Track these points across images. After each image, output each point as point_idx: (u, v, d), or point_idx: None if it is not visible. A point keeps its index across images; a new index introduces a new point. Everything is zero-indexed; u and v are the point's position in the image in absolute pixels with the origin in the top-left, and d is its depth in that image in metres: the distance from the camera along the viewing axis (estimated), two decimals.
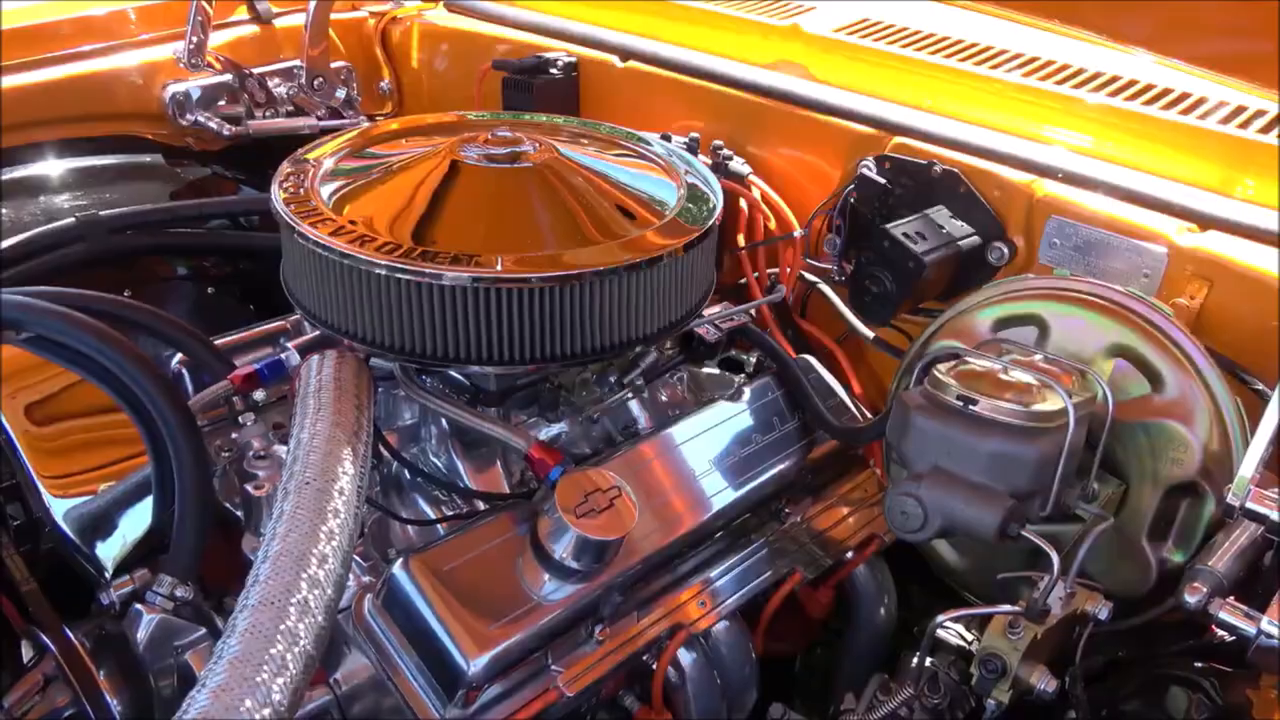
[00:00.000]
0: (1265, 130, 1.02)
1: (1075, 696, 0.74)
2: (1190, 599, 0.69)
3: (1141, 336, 0.85)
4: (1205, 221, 0.97)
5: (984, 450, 0.72)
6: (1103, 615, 0.74)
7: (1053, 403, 0.74)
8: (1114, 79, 1.13)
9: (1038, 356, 0.82)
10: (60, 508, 0.88)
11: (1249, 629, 0.64)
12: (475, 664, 0.78)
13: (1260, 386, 0.89)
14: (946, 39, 1.25)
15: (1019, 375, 0.77)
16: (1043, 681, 0.70)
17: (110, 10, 1.45)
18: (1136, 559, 0.85)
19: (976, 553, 0.94)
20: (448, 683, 0.79)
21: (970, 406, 0.74)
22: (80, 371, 0.94)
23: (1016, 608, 0.69)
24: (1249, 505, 0.63)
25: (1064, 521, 0.84)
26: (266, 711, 0.55)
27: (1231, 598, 0.70)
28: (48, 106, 1.38)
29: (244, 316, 1.44)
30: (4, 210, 1.33)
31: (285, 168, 0.99)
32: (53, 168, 1.40)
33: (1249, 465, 0.64)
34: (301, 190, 0.94)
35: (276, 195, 0.93)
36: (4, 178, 1.36)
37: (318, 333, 1.04)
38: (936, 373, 0.78)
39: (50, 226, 1.29)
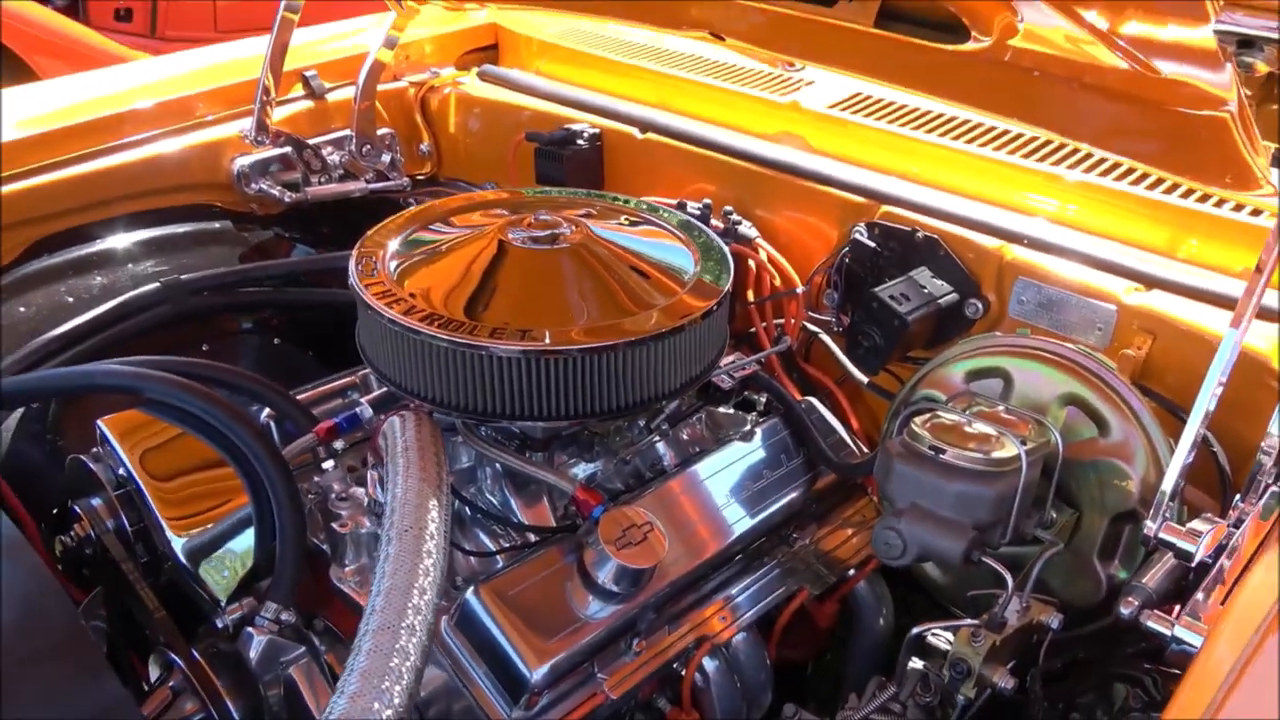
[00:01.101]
0: (1202, 200, 1.17)
1: (1034, 693, 0.89)
2: (1125, 611, 0.84)
3: (1089, 388, 1.00)
4: (1150, 281, 1.12)
5: (951, 491, 0.88)
6: (1054, 625, 0.89)
7: (1009, 450, 0.90)
8: (1074, 152, 1.28)
9: (1000, 408, 0.98)
10: (179, 544, 1.05)
11: (1166, 633, 0.79)
12: (536, 673, 0.94)
13: (1205, 433, 1.05)
14: (929, 114, 1.40)
15: (981, 427, 0.93)
16: (1003, 681, 0.85)
17: (182, 95, 1.62)
18: (1089, 576, 1.00)
19: (954, 572, 1.09)
20: (514, 689, 0.95)
21: (940, 455, 0.89)
22: (190, 429, 1.11)
23: (978, 621, 0.85)
24: (1162, 535, 0.79)
25: (1026, 545, 0.99)
26: (389, 713, 0.71)
27: (1161, 609, 0.85)
28: (131, 184, 1.55)
29: (305, 363, 1.62)
30: (98, 277, 1.51)
31: (359, 250, 1.15)
32: (136, 237, 1.57)
33: (1158, 508, 0.79)
34: (375, 271, 1.11)
35: (354, 277, 1.10)
36: (95, 248, 1.53)
37: (385, 389, 1.21)
38: (913, 425, 0.94)
39: (139, 291, 1.47)
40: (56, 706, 0.71)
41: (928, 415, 0.95)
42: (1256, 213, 1.13)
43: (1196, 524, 0.80)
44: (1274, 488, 0.89)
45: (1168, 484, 0.80)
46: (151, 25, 4.44)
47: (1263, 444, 0.90)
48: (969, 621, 0.85)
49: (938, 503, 0.89)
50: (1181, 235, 1.15)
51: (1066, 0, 0.76)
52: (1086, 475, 0.99)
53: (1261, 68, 0.61)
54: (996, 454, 0.89)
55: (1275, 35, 0.57)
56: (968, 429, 0.92)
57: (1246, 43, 0.60)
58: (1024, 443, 0.91)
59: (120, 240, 1.55)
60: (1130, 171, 1.22)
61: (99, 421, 1.09)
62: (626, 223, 1.23)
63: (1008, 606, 0.86)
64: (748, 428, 1.22)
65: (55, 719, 0.70)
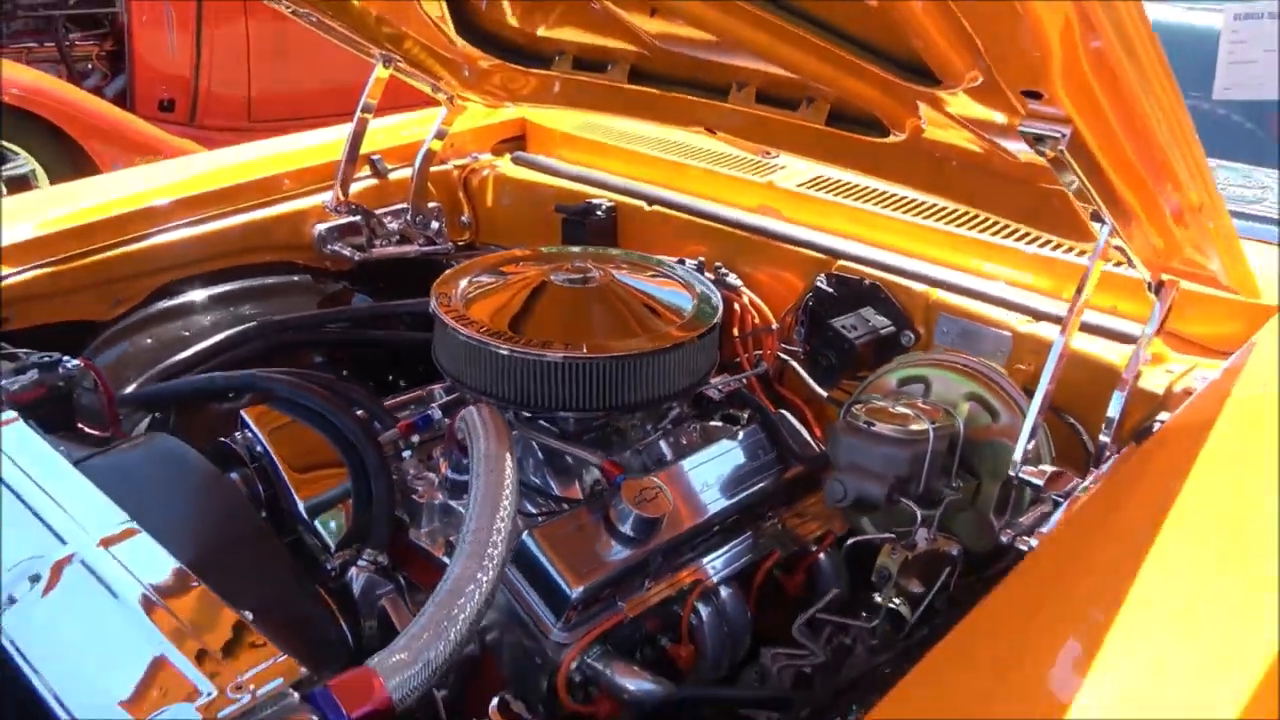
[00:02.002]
0: (1068, 250, 1.53)
1: (933, 606, 1.21)
2: (1004, 538, 1.17)
3: (985, 388, 1.34)
4: (1037, 315, 1.48)
5: (877, 453, 1.22)
6: (955, 553, 1.22)
7: (921, 425, 1.24)
8: (975, 217, 1.63)
9: (919, 400, 1.32)
10: (302, 505, 1.38)
11: (1024, 548, 1.12)
12: (575, 593, 1.25)
13: (1071, 420, 1.39)
14: (872, 190, 1.75)
15: (903, 410, 1.27)
16: (915, 587, 1.18)
17: (274, 174, 1.99)
18: (987, 529, 1.33)
19: (886, 525, 1.42)
20: (557, 607, 1.26)
21: (870, 427, 1.24)
22: (307, 420, 1.44)
23: (895, 537, 1.18)
24: (1021, 474, 1.13)
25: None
26: (470, 609, 1.02)
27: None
28: (233, 244, 1.89)
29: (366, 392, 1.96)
30: (208, 317, 1.85)
31: (436, 288, 1.50)
32: (235, 286, 1.91)
33: (1019, 452, 1.13)
34: (450, 303, 1.46)
35: (435, 307, 1.45)
36: (205, 294, 1.88)
37: (450, 397, 1.56)
38: (854, 409, 1.28)
39: (239, 329, 1.80)
40: (262, 579, 1.03)
41: (865, 403, 1.30)
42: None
43: (1044, 467, 1.14)
44: (1114, 457, 1.23)
45: (1024, 437, 1.14)
46: (191, 115, 4.84)
47: (1104, 426, 1.25)
48: (888, 536, 1.19)
49: (868, 462, 1.22)
50: (1057, 279, 1.51)
51: (938, 103, 1.11)
52: (983, 452, 1.32)
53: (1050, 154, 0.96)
54: (911, 427, 1.24)
55: (1057, 133, 0.92)
56: (892, 411, 1.27)
57: (1038, 138, 0.95)
58: (934, 423, 1.26)
59: (223, 288, 1.90)
60: (1015, 230, 1.58)
61: (242, 411, 1.42)
62: (640, 272, 1.59)
63: (918, 534, 1.19)
64: (733, 431, 1.56)
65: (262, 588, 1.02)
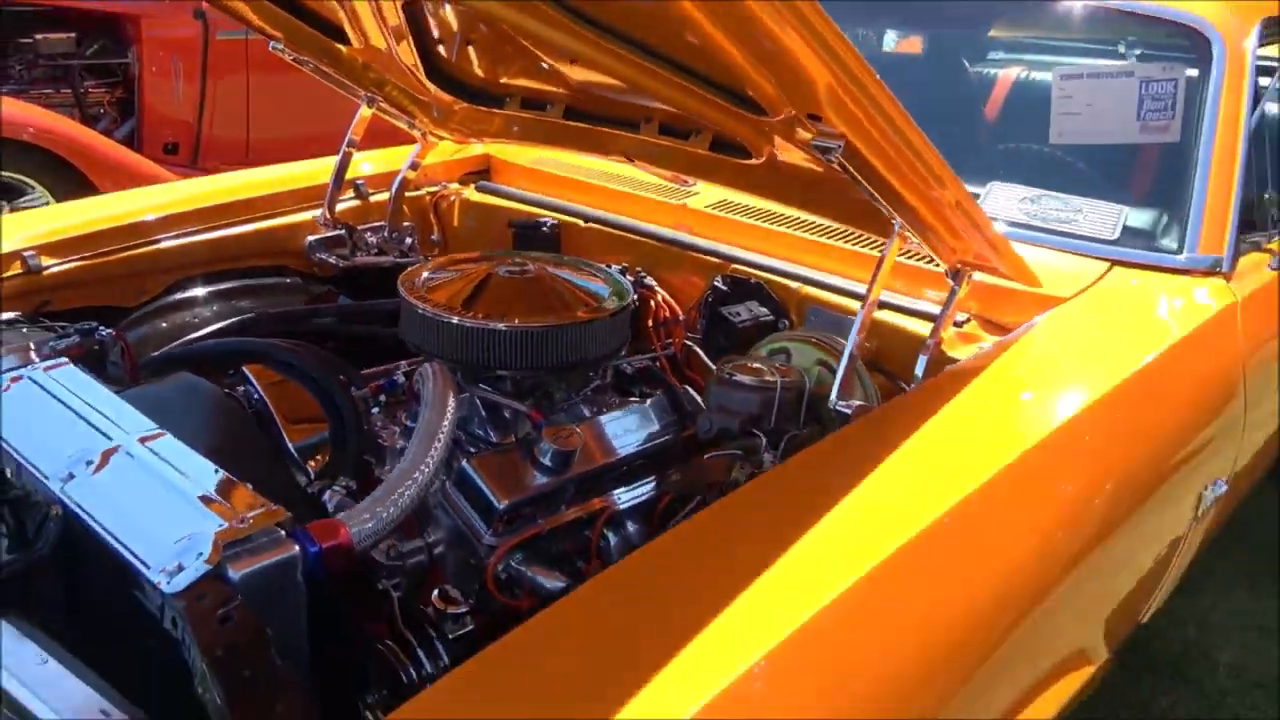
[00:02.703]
0: (912, 257, 1.91)
1: None
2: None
3: (831, 356, 1.71)
4: (881, 305, 1.86)
5: (736, 396, 1.58)
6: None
7: (770, 378, 1.61)
8: (829, 228, 2.02)
9: (777, 363, 1.69)
10: (291, 446, 1.72)
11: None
12: (502, 505, 1.57)
13: (889, 370, 1.76)
14: (760, 210, 2.12)
15: (760, 367, 1.64)
16: None
17: (275, 192, 2.36)
18: None
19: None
20: (488, 517, 1.59)
21: (732, 377, 1.60)
22: (296, 378, 1.80)
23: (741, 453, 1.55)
24: (837, 407, 1.49)
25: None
26: (414, 487, 1.37)
27: None
28: (237, 248, 2.25)
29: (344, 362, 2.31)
30: (214, 307, 2.21)
31: (403, 279, 1.87)
32: (236, 284, 2.28)
33: (834, 391, 1.50)
34: (414, 287, 1.83)
35: (402, 290, 1.81)
36: (211, 289, 2.24)
37: (412, 367, 1.91)
38: (723, 365, 1.65)
39: (238, 318, 2.16)
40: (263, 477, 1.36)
41: (733, 361, 1.67)
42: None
43: (853, 402, 1.51)
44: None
45: (838, 378, 1.51)
46: (194, 157, 5.23)
47: (912, 383, 1.62)
48: (737, 453, 1.55)
49: (729, 404, 1.59)
50: (897, 277, 1.88)
51: (779, 131, 1.49)
52: (825, 404, 1.69)
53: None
54: (764, 379, 1.61)
55: (835, 145, 1.30)
56: (752, 367, 1.64)
57: (824, 150, 1.33)
58: (783, 378, 1.63)
59: (227, 285, 2.26)
60: (869, 240, 1.96)
61: (244, 368, 1.78)
62: (569, 269, 1.97)
63: (764, 455, 1.55)
64: (643, 401, 1.92)
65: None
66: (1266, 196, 2.16)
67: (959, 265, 1.62)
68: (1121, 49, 2.21)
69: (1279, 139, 2.36)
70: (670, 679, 0.97)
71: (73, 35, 4.77)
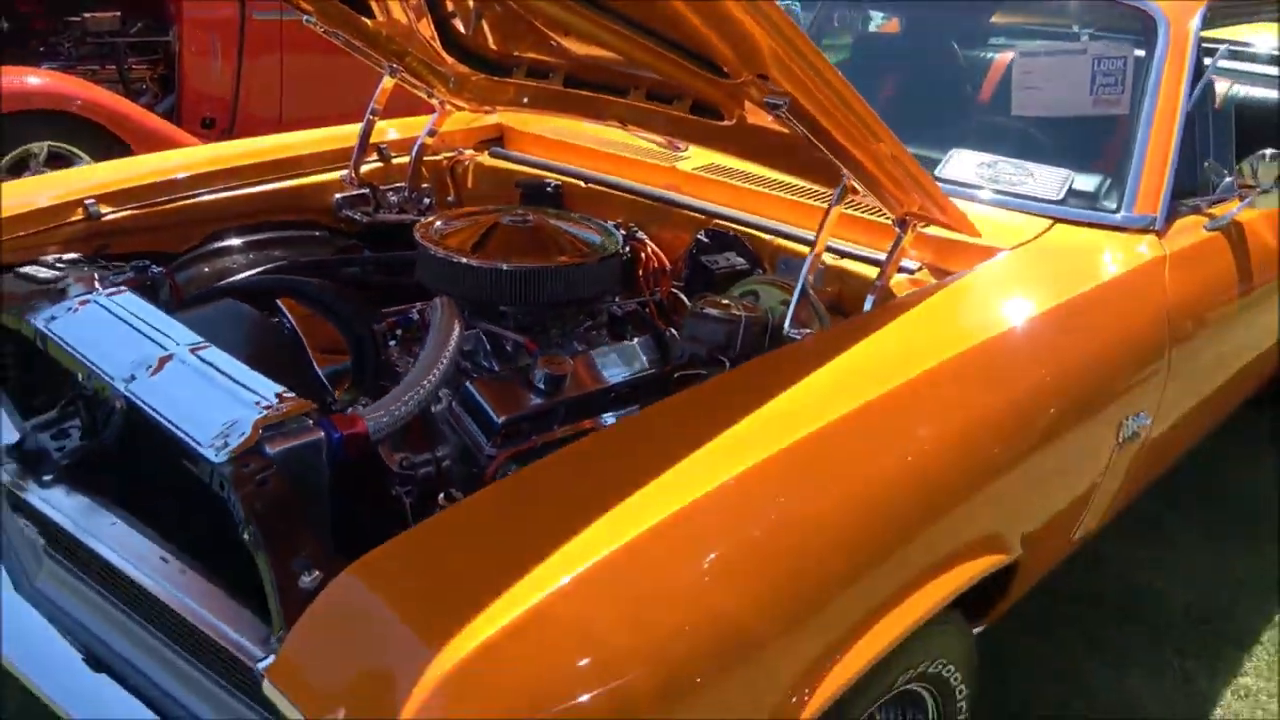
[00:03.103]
0: (867, 211, 2.13)
1: None
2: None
3: (791, 296, 1.94)
4: (841, 254, 2.07)
5: (705, 328, 1.81)
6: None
7: (735, 312, 1.83)
8: (815, 192, 2.24)
9: (745, 301, 1.91)
10: (322, 370, 1.97)
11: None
12: (500, 420, 1.81)
13: (844, 309, 1.97)
14: (743, 172, 2.37)
15: (728, 303, 1.87)
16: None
17: (307, 153, 2.61)
18: None
19: None
20: (488, 431, 1.84)
21: (704, 310, 1.83)
22: (323, 311, 2.04)
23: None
24: (789, 333, 1.71)
25: None
26: (420, 392, 1.61)
27: None
28: (273, 203, 2.49)
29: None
30: (251, 255, 2.45)
31: (419, 228, 2.11)
32: (271, 234, 2.52)
33: (788, 319, 1.72)
34: (430, 234, 2.07)
35: (419, 235, 2.05)
36: (248, 239, 2.48)
37: (425, 305, 2.15)
38: (696, 301, 1.88)
39: (274, 265, 2.41)
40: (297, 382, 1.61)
41: (706, 298, 1.90)
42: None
43: (805, 329, 1.73)
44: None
45: (791, 307, 1.73)
46: (229, 131, 5.51)
47: None
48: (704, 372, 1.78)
49: (700, 334, 1.82)
50: (857, 231, 2.09)
51: (745, 92, 1.71)
52: (784, 336, 1.91)
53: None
54: (730, 313, 1.83)
55: (782, 102, 1.52)
56: (722, 304, 1.86)
57: (774, 106, 1.54)
58: (747, 313, 1.85)
59: (263, 236, 2.50)
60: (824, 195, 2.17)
61: (278, 300, 2.02)
62: (568, 221, 2.20)
63: None
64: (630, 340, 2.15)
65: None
66: (1207, 164, 2.35)
67: (905, 216, 1.84)
68: (1076, 29, 2.41)
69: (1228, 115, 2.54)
70: (588, 532, 1.19)
71: (117, 15, 5.04)
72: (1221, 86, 3.74)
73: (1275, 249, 2.51)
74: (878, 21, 3.10)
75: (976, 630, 1.89)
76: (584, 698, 1.07)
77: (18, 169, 4.54)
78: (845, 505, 1.38)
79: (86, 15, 4.98)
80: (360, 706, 1.05)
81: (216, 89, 5.31)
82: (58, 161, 4.55)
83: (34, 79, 4.66)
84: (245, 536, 1.29)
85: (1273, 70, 3.40)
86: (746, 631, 1.22)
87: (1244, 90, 3.67)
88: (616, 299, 2.18)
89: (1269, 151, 2.26)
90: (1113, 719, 2.41)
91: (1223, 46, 2.39)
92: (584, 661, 1.10)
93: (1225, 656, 2.64)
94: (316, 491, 1.43)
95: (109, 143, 4.66)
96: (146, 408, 1.50)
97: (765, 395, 1.45)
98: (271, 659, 1.14)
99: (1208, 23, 2.36)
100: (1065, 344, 1.83)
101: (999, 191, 2.21)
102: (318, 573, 1.23)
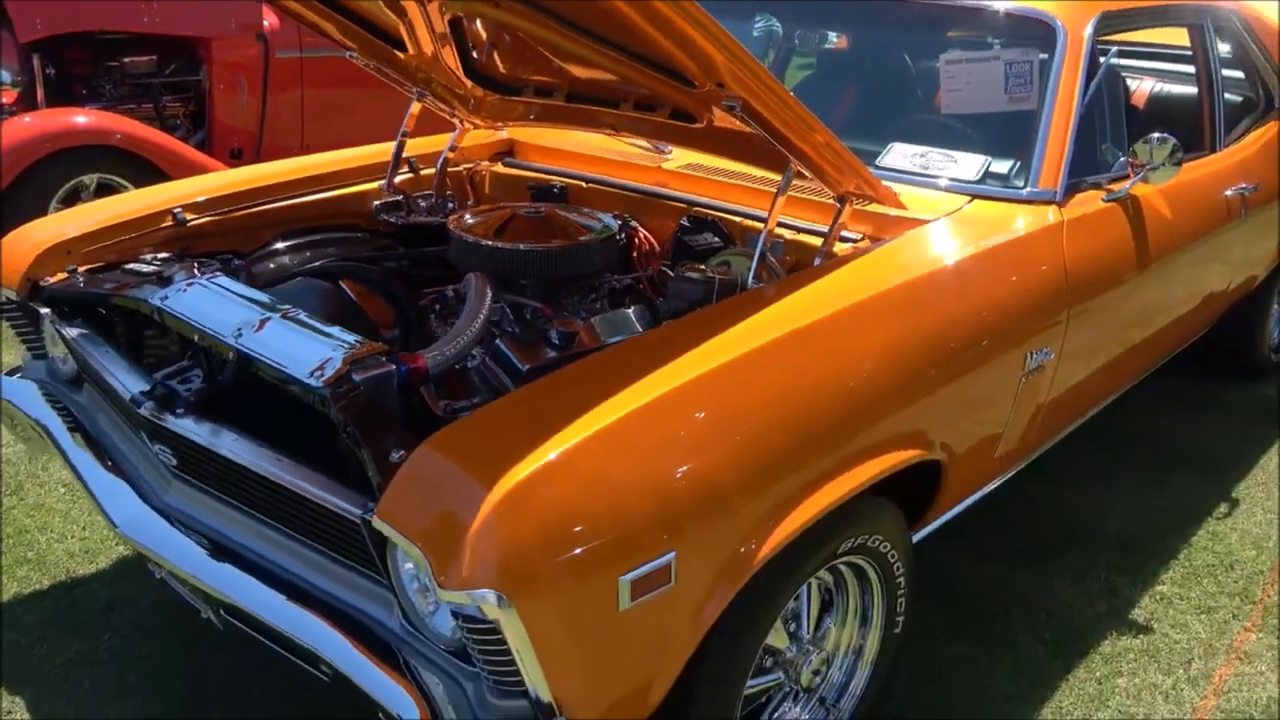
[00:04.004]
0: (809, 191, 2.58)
1: None
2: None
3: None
4: (800, 230, 2.53)
5: (684, 288, 2.25)
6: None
7: (709, 276, 2.29)
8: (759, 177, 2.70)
9: (718, 267, 2.37)
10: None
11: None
12: (524, 368, 2.25)
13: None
14: (716, 169, 2.83)
15: (704, 268, 2.32)
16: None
17: (350, 165, 3.08)
18: None
19: None
20: (514, 376, 2.28)
21: (684, 273, 2.28)
22: (375, 290, 2.50)
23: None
24: (749, 286, 2.16)
25: None
26: (464, 340, 2.06)
27: None
28: (323, 209, 2.97)
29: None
30: (306, 253, 2.91)
31: (451, 219, 2.57)
32: (320, 236, 2.98)
33: (750, 278, 2.17)
34: (460, 222, 2.53)
35: (450, 225, 2.52)
36: (302, 240, 2.94)
37: (458, 286, 2.61)
38: (680, 268, 2.33)
39: (323, 261, 2.88)
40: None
41: (686, 263, 2.36)
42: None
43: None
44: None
45: (752, 269, 2.18)
46: (255, 160, 6.01)
47: None
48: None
49: (680, 293, 2.27)
50: (811, 211, 2.55)
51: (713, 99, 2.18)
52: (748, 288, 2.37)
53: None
54: (706, 275, 2.29)
55: (736, 104, 1.98)
56: (697, 267, 2.32)
57: (730, 108, 2.00)
58: (719, 277, 2.31)
59: (313, 237, 2.96)
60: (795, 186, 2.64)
61: (339, 282, 2.48)
62: (572, 212, 2.66)
63: None
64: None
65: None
66: (1104, 147, 2.81)
67: (843, 194, 2.30)
68: (989, 38, 2.88)
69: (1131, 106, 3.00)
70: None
71: (154, 58, 5.54)
72: (1147, 85, 4.23)
73: (1171, 219, 2.96)
74: (831, 40, 3.58)
75: (917, 537, 2.34)
76: (598, 521, 1.52)
77: (71, 199, 5.03)
78: (791, 396, 1.84)
79: (126, 60, 5.49)
80: (442, 528, 1.50)
81: (243, 122, 5.81)
82: (106, 191, 5.03)
83: (80, 118, 5.17)
84: (344, 435, 1.74)
85: (1189, 69, 3.87)
86: (717, 482, 1.67)
87: (1166, 87, 4.16)
88: (615, 275, 2.64)
89: (1156, 135, 2.72)
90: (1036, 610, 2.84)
91: (1113, 48, 2.85)
92: (598, 494, 1.55)
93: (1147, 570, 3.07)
94: (391, 407, 1.88)
95: (149, 172, 5.14)
96: (256, 355, 1.96)
97: (731, 320, 1.91)
98: (376, 507, 1.59)
99: (1102, 29, 2.82)
100: (976, 286, 2.29)
101: (928, 175, 2.67)
102: (403, 451, 1.67)
